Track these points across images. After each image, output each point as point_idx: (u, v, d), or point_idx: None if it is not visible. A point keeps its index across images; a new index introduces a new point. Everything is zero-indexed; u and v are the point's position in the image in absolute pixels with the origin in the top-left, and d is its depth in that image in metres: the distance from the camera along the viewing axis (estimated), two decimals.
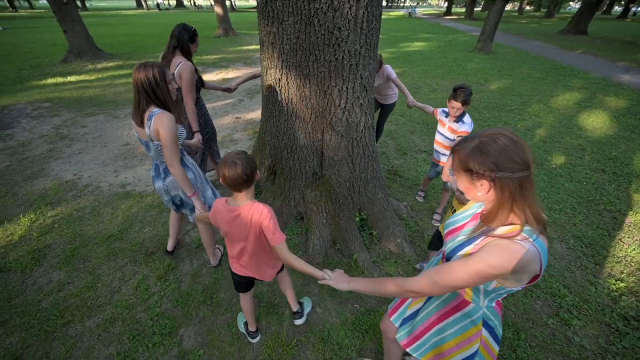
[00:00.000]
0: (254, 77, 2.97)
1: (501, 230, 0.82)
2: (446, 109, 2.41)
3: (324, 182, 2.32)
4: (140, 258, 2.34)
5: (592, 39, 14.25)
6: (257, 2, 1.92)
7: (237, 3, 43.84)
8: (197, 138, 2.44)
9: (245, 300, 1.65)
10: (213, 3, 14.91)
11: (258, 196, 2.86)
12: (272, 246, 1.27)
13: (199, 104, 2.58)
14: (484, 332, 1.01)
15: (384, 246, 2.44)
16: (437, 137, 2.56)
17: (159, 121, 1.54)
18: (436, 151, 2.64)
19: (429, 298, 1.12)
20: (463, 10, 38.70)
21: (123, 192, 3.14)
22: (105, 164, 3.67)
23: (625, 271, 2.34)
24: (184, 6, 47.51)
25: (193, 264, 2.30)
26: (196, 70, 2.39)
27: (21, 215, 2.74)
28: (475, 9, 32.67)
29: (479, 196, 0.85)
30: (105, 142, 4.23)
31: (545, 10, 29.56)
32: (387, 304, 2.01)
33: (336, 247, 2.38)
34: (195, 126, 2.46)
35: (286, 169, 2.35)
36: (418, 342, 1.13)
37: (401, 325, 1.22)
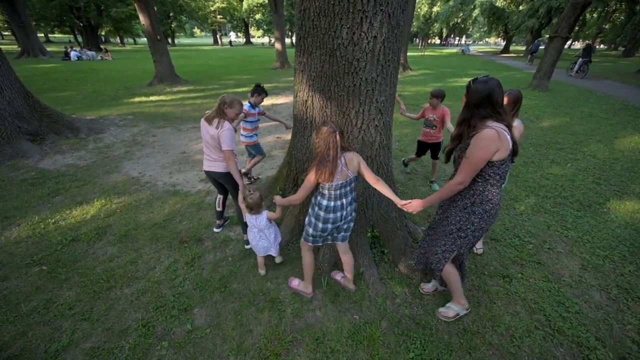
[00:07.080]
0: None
1: None
2: None
3: None
4: (175, 245, 2.71)
5: None
6: (295, 38, 2.32)
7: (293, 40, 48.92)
8: None
9: None
10: (274, 40, 16.94)
11: None
12: None
13: None
14: None
15: (394, 265, 2.46)
16: None
17: None
18: None
19: None
20: (523, 48, 37.11)
21: (173, 190, 3.69)
22: (164, 167, 4.35)
23: None
24: (252, 43, 54.50)
25: (216, 255, 2.59)
26: None
27: (95, 200, 3.39)
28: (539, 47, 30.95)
29: None
30: (167, 149, 5.01)
31: (623, 49, 26.70)
32: (387, 320, 2.02)
33: None
34: None
35: None
36: None
37: None
